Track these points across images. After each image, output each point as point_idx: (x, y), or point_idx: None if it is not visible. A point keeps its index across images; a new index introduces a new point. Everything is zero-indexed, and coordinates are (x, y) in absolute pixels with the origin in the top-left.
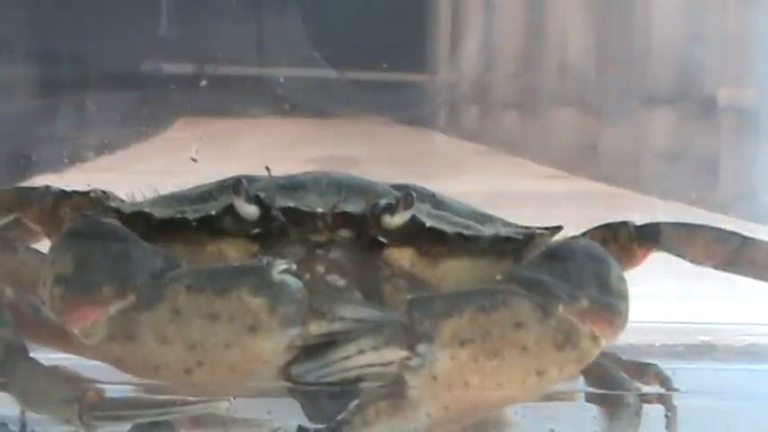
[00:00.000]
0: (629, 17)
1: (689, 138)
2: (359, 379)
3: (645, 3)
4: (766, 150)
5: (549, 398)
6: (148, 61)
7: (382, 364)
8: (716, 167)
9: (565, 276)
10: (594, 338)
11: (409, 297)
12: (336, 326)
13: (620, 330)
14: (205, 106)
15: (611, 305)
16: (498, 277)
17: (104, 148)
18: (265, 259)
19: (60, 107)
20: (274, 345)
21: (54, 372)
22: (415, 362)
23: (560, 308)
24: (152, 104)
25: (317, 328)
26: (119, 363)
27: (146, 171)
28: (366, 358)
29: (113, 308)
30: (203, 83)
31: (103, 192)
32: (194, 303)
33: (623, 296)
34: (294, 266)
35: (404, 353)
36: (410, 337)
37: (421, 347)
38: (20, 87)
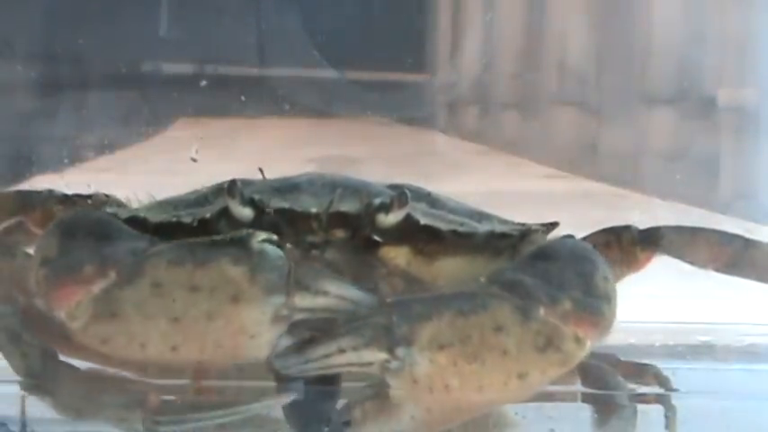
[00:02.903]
0: (629, 17)
1: (689, 138)
2: (340, 378)
3: (645, 3)
4: (766, 150)
5: (549, 398)
6: (148, 61)
7: (361, 365)
8: (716, 167)
9: (547, 277)
10: (578, 340)
11: (389, 300)
12: (321, 301)
13: (605, 331)
14: (205, 106)
15: (594, 306)
16: (482, 279)
17: (104, 148)
18: (245, 231)
19: (60, 107)
20: (258, 315)
21: (98, 376)
22: (394, 365)
23: (541, 310)
24: (152, 104)
25: (300, 300)
26: (105, 344)
27: (146, 171)
28: (346, 358)
29: (96, 287)
30: (203, 83)
31: (106, 196)
32: (175, 276)
33: (608, 297)
34: (275, 237)
35: (383, 355)
36: (390, 339)
37: (400, 351)
38: (20, 87)
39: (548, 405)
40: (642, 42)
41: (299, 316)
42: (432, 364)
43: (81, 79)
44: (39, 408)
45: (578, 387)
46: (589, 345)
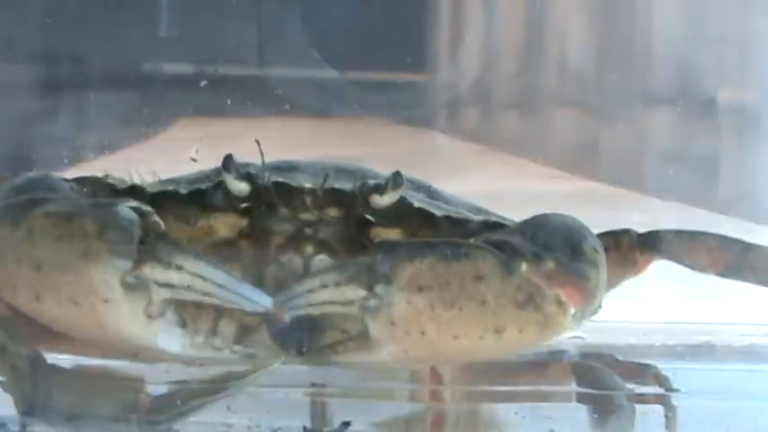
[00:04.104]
0: (629, 17)
1: (689, 138)
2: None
3: (645, 3)
4: (766, 150)
5: (549, 398)
6: (148, 61)
7: (343, 303)
8: (716, 167)
9: (535, 239)
10: (560, 303)
11: (377, 240)
12: (174, 276)
13: (589, 299)
14: (205, 106)
15: (579, 270)
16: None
17: (104, 148)
18: (125, 197)
19: (60, 107)
20: (103, 275)
21: (88, 379)
22: (372, 303)
23: (524, 266)
24: (152, 104)
25: (150, 271)
26: None
27: (146, 171)
28: (328, 294)
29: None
30: (203, 83)
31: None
32: (44, 225)
33: (595, 264)
34: (148, 209)
35: (362, 292)
36: (371, 277)
37: (379, 288)
38: (20, 87)
39: (547, 405)
40: (642, 42)
41: (162, 293)
42: (409, 306)
43: (81, 79)
44: None
45: (577, 388)
46: (572, 312)
